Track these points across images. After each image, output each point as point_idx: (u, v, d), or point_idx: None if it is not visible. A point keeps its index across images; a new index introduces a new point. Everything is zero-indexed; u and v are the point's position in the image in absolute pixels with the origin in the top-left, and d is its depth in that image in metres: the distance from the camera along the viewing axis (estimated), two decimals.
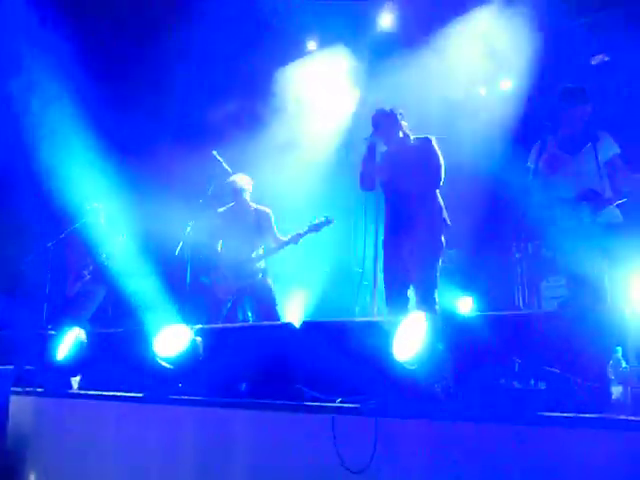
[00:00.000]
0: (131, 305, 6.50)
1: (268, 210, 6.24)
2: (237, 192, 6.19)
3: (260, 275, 6.02)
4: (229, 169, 6.27)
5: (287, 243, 5.96)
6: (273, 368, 3.95)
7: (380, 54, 7.65)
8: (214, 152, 6.41)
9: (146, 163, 7.95)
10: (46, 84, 7.56)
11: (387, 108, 5.03)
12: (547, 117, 5.41)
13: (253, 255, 6.03)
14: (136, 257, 6.99)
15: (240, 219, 6.17)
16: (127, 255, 7.06)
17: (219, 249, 6.25)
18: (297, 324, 4.08)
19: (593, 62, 7.26)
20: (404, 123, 5.04)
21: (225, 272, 6.05)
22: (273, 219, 6.19)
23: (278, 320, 5.77)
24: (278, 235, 6.10)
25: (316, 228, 5.77)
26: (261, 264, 6.06)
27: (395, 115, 5.01)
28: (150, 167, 8.00)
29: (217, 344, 4.28)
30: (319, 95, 7.69)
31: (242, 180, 6.26)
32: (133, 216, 7.37)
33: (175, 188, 7.50)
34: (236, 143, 7.15)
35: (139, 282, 6.76)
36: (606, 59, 7.05)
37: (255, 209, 6.24)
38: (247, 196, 6.25)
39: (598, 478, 2.67)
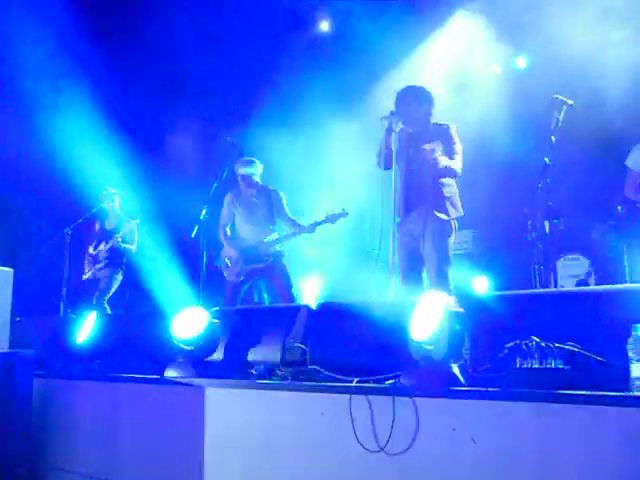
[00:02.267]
0: (148, 288, 6.56)
1: (280, 192, 6.27)
2: (249, 176, 6.23)
3: (274, 258, 6.06)
4: (242, 154, 6.28)
5: (302, 231, 6.01)
6: (290, 349, 3.96)
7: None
8: (228, 138, 6.42)
9: (161, 148, 7.98)
10: (63, 73, 7.58)
11: (414, 88, 4.98)
12: (560, 94, 5.36)
13: (266, 239, 6.06)
14: (152, 241, 7.04)
15: (252, 202, 6.20)
16: (143, 239, 7.11)
17: (228, 233, 6.31)
18: (314, 305, 4.09)
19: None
20: (428, 107, 4.98)
21: (236, 255, 6.09)
22: (285, 200, 6.24)
23: (293, 302, 5.81)
24: (290, 216, 6.15)
25: (332, 219, 5.87)
26: (276, 247, 6.10)
27: (419, 96, 4.95)
28: (165, 152, 8.03)
29: (234, 326, 4.30)
30: None
31: (253, 164, 6.30)
32: (149, 200, 7.42)
33: (190, 172, 7.53)
34: (252, 129, 7.15)
35: (156, 265, 6.82)
36: None
37: (267, 191, 6.27)
38: (258, 179, 6.29)
39: (617, 455, 2.66)
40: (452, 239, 4.85)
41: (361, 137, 5.95)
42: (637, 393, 2.76)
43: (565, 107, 5.35)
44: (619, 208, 4.75)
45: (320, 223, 5.92)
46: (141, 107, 7.86)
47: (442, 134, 4.86)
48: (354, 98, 7.27)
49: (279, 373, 3.89)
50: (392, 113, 4.88)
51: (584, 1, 6.39)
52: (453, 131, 4.87)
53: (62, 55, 7.42)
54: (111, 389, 4.57)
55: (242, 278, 6.09)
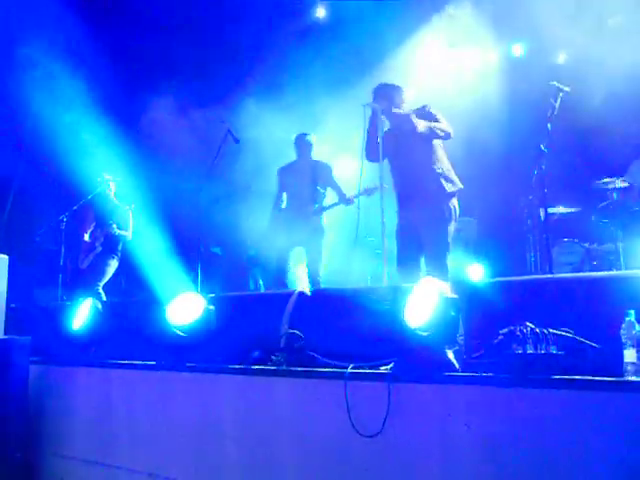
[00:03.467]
0: (144, 275, 6.55)
1: (327, 163, 6.32)
2: (309, 146, 6.28)
3: (315, 230, 6.07)
4: (237, 139, 6.24)
5: (342, 202, 6.05)
6: (286, 335, 3.97)
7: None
8: (224, 123, 6.40)
9: (155, 133, 7.94)
10: (56, 59, 7.54)
11: (387, 84, 5.05)
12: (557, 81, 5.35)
13: (309, 210, 6.09)
14: (148, 227, 7.03)
15: (300, 173, 6.22)
16: (138, 225, 7.10)
17: (282, 204, 6.31)
18: (309, 292, 4.10)
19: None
20: (404, 97, 5.03)
21: (283, 225, 6.08)
22: (332, 171, 6.31)
23: (318, 277, 5.82)
24: (337, 185, 6.24)
25: (368, 192, 5.84)
26: (320, 219, 6.12)
27: (396, 88, 5.01)
28: (159, 138, 8.00)
29: (230, 312, 4.31)
30: None
31: (310, 135, 6.35)
32: (144, 187, 7.40)
33: (184, 157, 7.50)
34: (244, 110, 7.11)
35: (151, 252, 6.81)
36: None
37: (314, 163, 6.28)
38: (311, 151, 6.33)
39: (611, 440, 2.68)
40: (453, 226, 4.86)
41: (355, 124, 5.93)
42: (630, 378, 2.78)
43: (561, 94, 5.34)
44: (614, 195, 4.76)
45: (357, 196, 5.93)
46: (136, 92, 7.81)
47: (422, 116, 4.90)
48: (350, 85, 7.24)
49: (275, 359, 3.90)
50: (375, 101, 4.92)
51: None
52: (430, 109, 4.92)
53: (56, 40, 7.37)
54: (106, 375, 4.58)
55: (286, 248, 6.08)
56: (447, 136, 4.95)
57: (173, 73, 8.22)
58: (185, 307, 4.14)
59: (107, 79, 7.65)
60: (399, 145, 4.97)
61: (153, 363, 4.29)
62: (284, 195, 6.31)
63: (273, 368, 3.81)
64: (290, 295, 4.24)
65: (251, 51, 8.08)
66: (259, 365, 3.91)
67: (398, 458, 3.24)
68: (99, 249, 7.25)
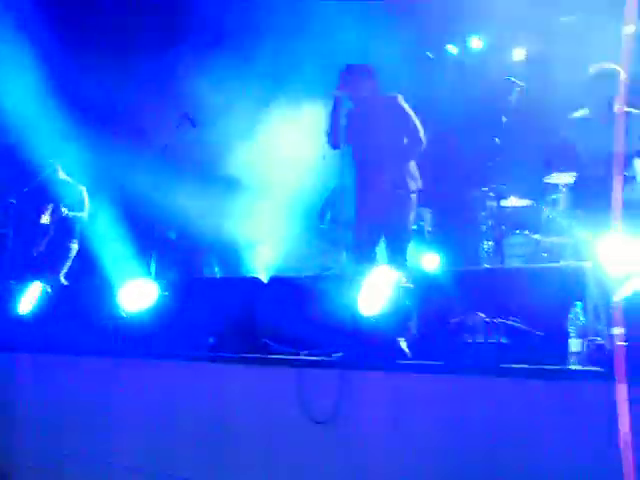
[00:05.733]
0: (96, 259, 6.43)
1: None
2: None
3: None
4: (195, 125, 6.14)
5: None
6: (240, 322, 3.97)
7: None
8: (185, 112, 6.27)
9: (112, 118, 7.77)
10: (7, 41, 7.29)
11: (357, 65, 4.96)
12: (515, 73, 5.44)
13: None
14: (100, 211, 6.89)
15: None
16: (91, 210, 6.95)
17: None
18: (264, 279, 4.10)
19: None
20: (374, 81, 4.97)
21: None
22: None
23: None
24: None
25: None
26: None
27: (363, 71, 4.94)
28: (116, 122, 7.83)
29: (185, 298, 4.27)
30: None
31: None
32: (96, 169, 7.24)
33: (141, 143, 7.36)
34: (204, 93, 6.98)
35: (104, 236, 6.69)
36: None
37: None
38: None
39: (556, 426, 2.76)
40: (413, 216, 4.88)
41: (312, 113, 5.90)
42: (574, 367, 2.87)
43: (517, 89, 5.43)
44: (563, 189, 4.86)
45: None
46: (87, 70, 7.60)
47: (391, 106, 4.86)
48: (306, 74, 7.19)
49: (229, 346, 3.89)
50: (339, 88, 4.88)
51: None
52: (401, 100, 4.87)
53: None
54: (53, 361, 4.50)
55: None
56: (420, 145, 4.82)
57: (128, 50, 8.02)
58: (138, 293, 4.09)
59: (55, 57, 7.43)
60: (363, 130, 4.92)
61: (103, 349, 4.23)
62: None
63: (227, 354, 3.80)
64: (246, 281, 4.23)
65: (213, 31, 7.92)
66: (214, 352, 3.90)
67: (348, 443, 3.28)
68: (53, 233, 7.06)
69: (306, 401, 3.37)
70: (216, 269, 6.11)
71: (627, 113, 4.36)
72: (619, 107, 4.32)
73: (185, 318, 4.16)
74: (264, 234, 6.33)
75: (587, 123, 4.42)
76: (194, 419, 3.83)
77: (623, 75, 4.31)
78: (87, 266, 6.75)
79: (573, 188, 4.61)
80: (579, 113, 4.49)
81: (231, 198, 6.18)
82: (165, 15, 7.99)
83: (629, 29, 4.15)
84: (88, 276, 6.58)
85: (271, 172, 6.18)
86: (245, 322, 3.92)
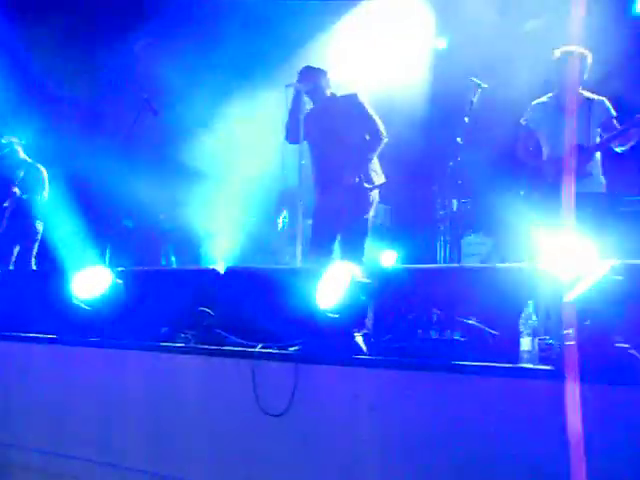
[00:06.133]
0: (50, 245, 6.28)
1: None
2: None
3: None
4: (155, 111, 6.03)
5: None
6: (196, 313, 3.92)
7: None
8: (144, 95, 6.16)
9: (68, 102, 7.60)
10: None
11: (313, 67, 5.01)
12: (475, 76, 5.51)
13: None
14: (55, 196, 6.72)
15: None
16: (48, 193, 6.77)
17: None
18: (221, 269, 4.06)
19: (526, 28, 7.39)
20: (328, 82, 5.00)
21: None
22: None
23: None
24: None
25: None
26: None
27: (321, 71, 4.97)
28: (73, 106, 7.66)
29: (140, 287, 4.20)
30: None
31: None
32: (52, 154, 7.07)
33: (99, 128, 7.22)
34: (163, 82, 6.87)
35: (59, 222, 6.53)
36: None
37: None
38: None
39: (507, 423, 2.81)
40: (372, 212, 4.90)
41: (271, 105, 5.86)
42: (525, 365, 2.92)
43: (479, 90, 5.51)
44: (521, 192, 4.94)
45: None
46: (44, 53, 7.41)
47: (350, 103, 4.89)
48: (267, 66, 7.14)
49: (183, 336, 3.84)
50: (299, 81, 4.89)
51: None
52: (360, 98, 4.90)
53: None
54: (3, 350, 4.38)
55: None
56: (381, 141, 4.84)
57: (86, 34, 7.84)
58: (92, 280, 4.01)
59: (9, 41, 7.23)
60: (323, 128, 4.93)
61: (55, 337, 4.14)
62: None
63: (181, 345, 3.76)
64: (202, 272, 4.18)
65: (174, 16, 7.78)
66: (168, 342, 3.85)
67: (303, 437, 3.28)
68: (11, 214, 6.84)
69: (261, 394, 3.36)
70: (173, 259, 6.04)
71: (589, 99, 4.44)
72: (580, 92, 4.39)
73: (139, 308, 4.09)
74: (222, 224, 6.30)
75: (549, 107, 4.49)
76: (145, 409, 3.78)
77: (589, 58, 4.39)
78: (41, 251, 6.59)
79: (528, 189, 4.67)
80: (542, 99, 4.56)
81: (190, 187, 6.13)
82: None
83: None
84: (42, 261, 6.44)
85: (231, 162, 6.15)
86: (200, 313, 3.87)
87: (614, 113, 4.40)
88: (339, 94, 5.01)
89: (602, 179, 4.44)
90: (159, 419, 3.71)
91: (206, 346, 3.68)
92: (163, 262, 6.20)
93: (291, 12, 7.01)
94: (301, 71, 4.98)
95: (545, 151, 4.51)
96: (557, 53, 4.47)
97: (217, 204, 6.27)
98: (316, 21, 7.28)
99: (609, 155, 4.48)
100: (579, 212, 3.96)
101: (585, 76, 4.42)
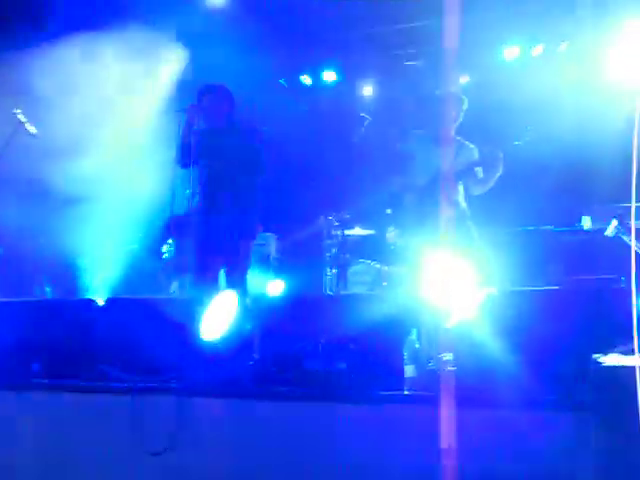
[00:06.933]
0: None
1: None
2: None
3: None
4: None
5: None
6: (73, 347, 3.72)
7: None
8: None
9: None
10: None
11: (216, 85, 4.92)
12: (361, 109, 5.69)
13: None
14: None
15: None
16: None
17: None
18: (101, 300, 3.89)
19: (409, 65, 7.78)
20: (229, 105, 4.95)
21: None
22: None
23: None
24: None
25: None
26: None
27: (221, 93, 4.91)
28: None
29: (9, 320, 3.93)
30: None
31: None
32: None
33: None
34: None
35: None
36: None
37: None
38: None
39: (389, 448, 2.85)
40: (254, 240, 4.88)
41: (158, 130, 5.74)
42: (408, 392, 2.98)
43: (365, 122, 5.70)
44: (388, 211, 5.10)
45: None
46: None
47: (243, 130, 4.88)
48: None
49: (61, 372, 3.63)
50: (191, 107, 4.82)
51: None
52: (254, 126, 4.91)
53: None
54: None
55: None
56: (261, 173, 4.89)
57: None
58: None
59: None
60: (214, 153, 4.87)
61: None
62: None
63: (58, 382, 3.54)
64: (79, 303, 3.99)
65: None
66: (40, 378, 3.62)
67: (187, 473, 3.16)
68: None
69: (141, 430, 3.22)
70: (47, 289, 5.72)
71: (460, 142, 4.72)
72: (452, 132, 4.67)
73: (11, 342, 3.82)
74: (103, 253, 6.04)
75: (424, 139, 4.70)
76: (21, 451, 3.51)
77: (465, 103, 4.66)
78: None
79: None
80: (420, 131, 4.77)
81: (67, 215, 5.83)
82: None
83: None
84: None
85: (113, 188, 5.92)
86: (78, 347, 3.68)
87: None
88: (235, 118, 4.95)
89: (464, 205, 4.70)
90: (36, 459, 3.46)
91: (85, 382, 3.49)
92: (37, 292, 5.84)
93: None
94: (200, 90, 4.88)
95: (412, 177, 4.71)
96: (437, 92, 4.71)
97: (98, 232, 6.02)
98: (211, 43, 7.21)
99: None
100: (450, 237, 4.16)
101: (461, 118, 4.68)
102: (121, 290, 5.76)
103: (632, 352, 2.60)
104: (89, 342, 3.74)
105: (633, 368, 2.24)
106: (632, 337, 2.66)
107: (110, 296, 4.07)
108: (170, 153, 4.99)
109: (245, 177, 4.78)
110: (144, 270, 6.24)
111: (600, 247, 5.10)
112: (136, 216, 5.91)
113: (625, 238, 4.06)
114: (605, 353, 2.56)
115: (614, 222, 4.23)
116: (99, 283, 5.78)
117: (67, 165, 5.93)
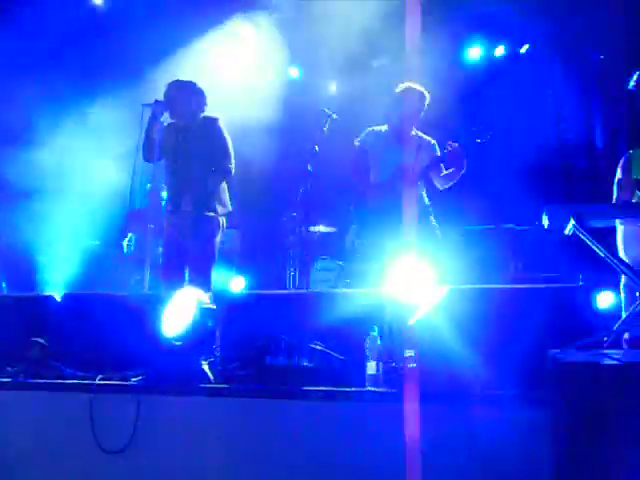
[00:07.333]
0: None
1: None
2: None
3: None
4: None
5: None
6: (27, 344, 3.63)
7: None
8: None
9: None
10: None
11: (185, 81, 4.85)
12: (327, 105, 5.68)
13: None
14: None
15: None
16: None
17: None
18: (59, 296, 3.80)
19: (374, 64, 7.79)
20: (199, 101, 4.88)
21: None
22: None
23: None
24: None
25: None
26: None
27: (190, 89, 4.84)
28: None
29: None
30: None
31: None
32: None
33: None
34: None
35: None
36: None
37: None
38: None
39: (351, 445, 2.86)
40: (219, 238, 4.83)
41: (126, 122, 5.63)
42: (371, 389, 2.98)
43: (330, 120, 5.67)
44: (350, 207, 5.10)
45: None
46: None
47: (210, 128, 4.81)
48: (124, 79, 6.88)
49: (14, 370, 3.53)
50: (157, 102, 4.75)
51: (350, 23, 6.81)
52: (220, 123, 4.84)
53: None
54: None
55: None
56: (228, 174, 4.82)
57: None
58: None
59: None
60: (180, 148, 4.80)
61: None
62: None
63: (8, 380, 3.44)
64: (35, 299, 3.90)
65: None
66: None
67: (147, 473, 3.12)
68: None
69: (99, 429, 3.16)
70: (3, 285, 5.59)
71: (420, 138, 4.73)
72: (413, 128, 4.68)
73: None
74: (62, 248, 5.93)
75: (384, 136, 4.70)
76: None
77: (427, 99, 4.68)
78: None
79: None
80: (379, 127, 4.77)
81: (24, 209, 5.70)
82: None
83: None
84: None
85: (72, 182, 5.82)
86: (33, 344, 3.59)
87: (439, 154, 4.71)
88: (202, 114, 4.88)
89: (427, 201, 4.71)
90: None
91: (39, 380, 3.40)
92: None
93: (152, 29, 6.79)
94: (170, 85, 4.80)
95: (372, 175, 4.71)
96: (398, 88, 4.71)
97: (57, 226, 5.89)
98: (176, 36, 7.12)
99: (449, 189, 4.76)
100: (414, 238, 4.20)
101: (422, 114, 4.69)
102: (81, 286, 5.66)
103: (590, 348, 2.66)
104: (46, 338, 3.65)
105: (591, 364, 2.28)
106: (590, 333, 2.72)
107: (68, 292, 3.96)
108: (129, 146, 4.95)
109: (210, 175, 4.74)
110: (104, 265, 6.14)
111: (560, 246, 5.21)
112: (97, 210, 5.82)
113: (583, 237, 4.13)
114: (563, 349, 2.60)
115: (572, 221, 4.31)
116: (58, 279, 5.67)
117: (21, 157, 5.80)
